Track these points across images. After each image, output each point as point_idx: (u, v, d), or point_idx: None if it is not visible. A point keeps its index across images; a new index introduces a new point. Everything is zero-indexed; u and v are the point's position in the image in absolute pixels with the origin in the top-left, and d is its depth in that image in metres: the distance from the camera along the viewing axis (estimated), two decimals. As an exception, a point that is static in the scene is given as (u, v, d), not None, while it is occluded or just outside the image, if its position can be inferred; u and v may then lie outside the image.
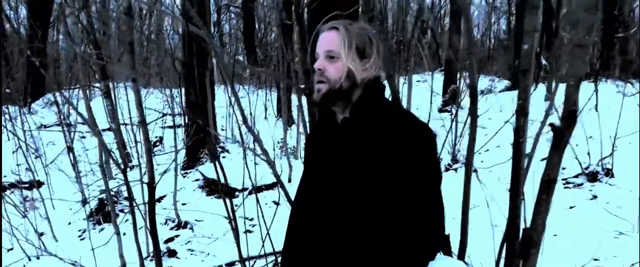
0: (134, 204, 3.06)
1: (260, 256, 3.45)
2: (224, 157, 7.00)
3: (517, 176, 1.92)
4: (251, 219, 4.80)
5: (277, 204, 2.79)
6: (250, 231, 4.59)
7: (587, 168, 5.33)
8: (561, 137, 1.89)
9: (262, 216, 2.78)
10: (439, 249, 1.61)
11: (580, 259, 3.27)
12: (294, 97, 8.90)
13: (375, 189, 1.51)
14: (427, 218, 1.52)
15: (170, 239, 4.77)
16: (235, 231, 2.97)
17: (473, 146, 2.07)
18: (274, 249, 3.04)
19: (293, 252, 1.74)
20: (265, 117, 10.71)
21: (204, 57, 6.62)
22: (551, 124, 1.92)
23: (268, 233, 2.82)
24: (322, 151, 1.69)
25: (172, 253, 4.51)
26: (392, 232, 1.50)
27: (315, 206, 1.66)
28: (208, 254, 4.61)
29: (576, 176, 5.42)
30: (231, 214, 2.89)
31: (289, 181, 6.22)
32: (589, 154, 5.27)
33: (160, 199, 5.54)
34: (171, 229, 5.00)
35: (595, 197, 4.86)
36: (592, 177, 5.23)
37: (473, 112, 2.08)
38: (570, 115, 1.85)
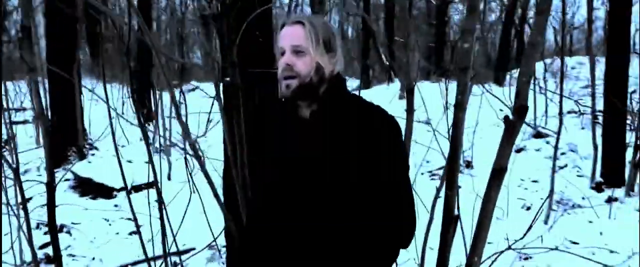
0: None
1: (167, 255, 3.27)
2: (93, 155, 6.45)
3: (453, 165, 2.06)
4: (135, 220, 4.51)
5: (160, 202, 2.71)
6: (136, 233, 4.30)
7: (449, 161, 5.84)
8: (513, 129, 2.03)
9: (163, 215, 2.63)
10: (414, 232, 1.68)
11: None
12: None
13: (355, 176, 1.56)
14: (405, 202, 1.61)
15: (46, 245, 4.26)
16: (138, 231, 2.82)
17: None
18: (178, 248, 3.02)
19: (259, 240, 1.71)
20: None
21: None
22: (505, 117, 2.06)
23: (173, 232, 2.75)
24: (294, 143, 1.67)
25: (51, 260, 4.06)
26: (374, 214, 1.57)
27: (291, 196, 1.64)
28: (93, 258, 4.24)
29: (440, 168, 5.92)
30: (133, 215, 2.73)
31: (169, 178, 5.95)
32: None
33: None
34: (45, 233, 4.48)
35: (459, 187, 5.33)
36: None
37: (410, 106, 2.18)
38: (521, 110, 2.02)
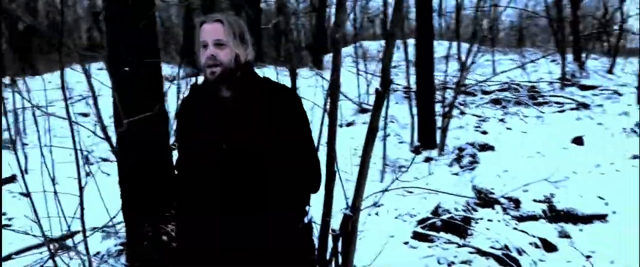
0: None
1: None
2: None
3: (333, 136, 2.71)
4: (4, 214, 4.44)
5: (26, 195, 2.83)
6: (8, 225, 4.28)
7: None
8: (381, 98, 2.76)
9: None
10: (321, 180, 2.18)
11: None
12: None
13: (271, 139, 1.92)
14: (314, 158, 2.11)
15: None
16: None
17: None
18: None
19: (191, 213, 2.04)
20: None
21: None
22: (376, 89, 2.78)
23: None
24: (219, 118, 1.98)
25: None
26: (291, 168, 1.96)
27: (219, 161, 1.94)
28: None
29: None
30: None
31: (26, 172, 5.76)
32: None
33: None
34: None
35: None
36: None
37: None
38: (385, 83, 2.73)
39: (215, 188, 1.95)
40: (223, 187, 1.94)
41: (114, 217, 3.53)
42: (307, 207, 2.08)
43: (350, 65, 11.02)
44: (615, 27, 14.93)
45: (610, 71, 12.32)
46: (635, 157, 6.62)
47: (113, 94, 3.36)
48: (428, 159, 6.92)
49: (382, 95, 2.74)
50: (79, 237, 3.14)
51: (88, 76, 2.80)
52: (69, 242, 3.35)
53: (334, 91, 2.75)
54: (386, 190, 3.32)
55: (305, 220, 2.07)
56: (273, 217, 1.95)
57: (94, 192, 3.53)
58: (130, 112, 3.25)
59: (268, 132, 1.92)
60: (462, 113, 9.16)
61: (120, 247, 3.70)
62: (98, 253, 3.77)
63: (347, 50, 13.51)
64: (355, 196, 2.83)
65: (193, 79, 7.14)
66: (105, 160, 6.45)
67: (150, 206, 3.50)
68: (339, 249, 2.89)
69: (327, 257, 2.90)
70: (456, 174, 6.16)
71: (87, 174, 3.61)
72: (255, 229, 1.94)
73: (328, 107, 2.83)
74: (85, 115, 8.28)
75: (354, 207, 2.81)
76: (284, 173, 1.95)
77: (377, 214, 4.78)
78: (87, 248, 2.88)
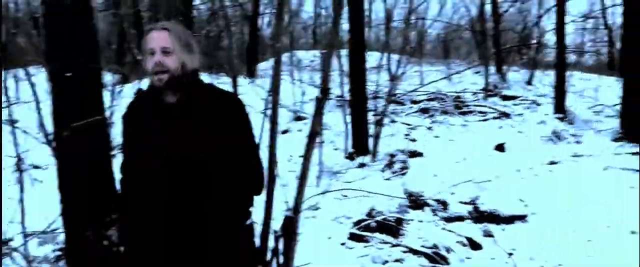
0: None
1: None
2: None
3: (273, 140, 2.85)
4: None
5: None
6: None
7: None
8: (321, 104, 2.91)
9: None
10: (264, 182, 2.30)
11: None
12: None
13: (223, 143, 1.99)
14: (257, 160, 2.21)
15: None
16: None
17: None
18: None
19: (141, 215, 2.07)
20: None
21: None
22: (317, 96, 2.93)
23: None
24: (165, 123, 2.04)
25: None
26: (241, 170, 2.05)
27: (164, 164, 2.00)
28: None
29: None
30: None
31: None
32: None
33: None
34: None
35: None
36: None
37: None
38: (325, 90, 2.88)
39: (161, 192, 2.00)
40: (168, 191, 1.99)
41: (53, 222, 3.49)
42: (250, 209, 2.15)
43: (284, 73, 11.16)
44: (534, 41, 15.91)
45: (529, 82, 13.10)
46: (552, 163, 7.13)
47: (52, 98, 3.35)
48: (361, 165, 7.14)
49: (323, 102, 2.90)
50: (17, 242, 3.11)
51: (30, 81, 2.79)
52: (5, 248, 3.31)
53: (275, 97, 2.88)
54: (327, 191, 3.49)
55: (248, 222, 2.16)
56: (217, 219, 2.00)
57: (29, 198, 3.48)
58: (70, 118, 3.25)
59: (213, 137, 1.98)
60: (393, 121, 9.49)
61: (59, 253, 3.66)
62: (34, 259, 3.70)
63: (282, 60, 13.63)
64: (296, 198, 2.93)
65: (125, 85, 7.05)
66: (36, 167, 6.27)
67: (91, 211, 3.49)
68: (280, 249, 3.01)
69: (268, 257, 3.02)
70: (388, 179, 6.41)
71: (21, 181, 3.57)
72: (199, 231, 1.99)
73: (269, 112, 2.95)
74: (14, 121, 7.98)
75: (296, 208, 2.93)
76: (228, 177, 2.00)
77: (314, 217, 4.94)
78: (26, 253, 2.87)
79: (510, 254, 4.39)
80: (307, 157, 2.93)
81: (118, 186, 2.30)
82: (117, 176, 2.35)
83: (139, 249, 2.09)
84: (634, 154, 7.64)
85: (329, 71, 2.92)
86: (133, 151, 2.14)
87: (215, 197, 1.99)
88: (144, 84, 2.92)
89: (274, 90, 2.89)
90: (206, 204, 1.99)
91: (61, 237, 3.73)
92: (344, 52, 8.77)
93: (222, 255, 2.03)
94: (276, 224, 2.89)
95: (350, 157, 7.59)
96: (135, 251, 2.12)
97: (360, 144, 7.74)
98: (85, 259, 3.46)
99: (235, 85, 3.24)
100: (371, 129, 7.82)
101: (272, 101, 2.90)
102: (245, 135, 2.09)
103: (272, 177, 2.86)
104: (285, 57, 13.64)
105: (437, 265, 3.93)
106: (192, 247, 2.01)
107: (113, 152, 3.77)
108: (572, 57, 17.81)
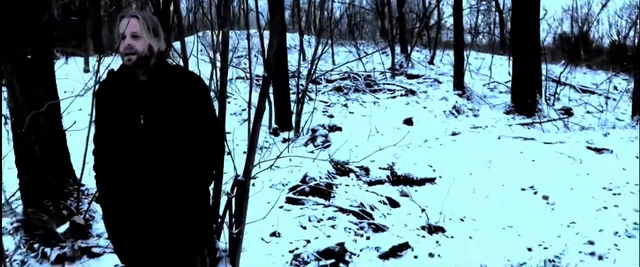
0: None
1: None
2: None
3: (223, 116, 3.31)
4: None
5: None
6: None
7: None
8: (266, 84, 3.37)
9: None
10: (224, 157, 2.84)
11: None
12: None
13: (190, 120, 2.27)
14: (222, 134, 2.71)
15: None
16: None
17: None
18: None
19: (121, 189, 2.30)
20: None
21: None
22: (263, 76, 3.38)
23: None
24: (137, 99, 2.25)
25: None
26: (209, 142, 2.38)
27: (141, 139, 2.23)
28: None
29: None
30: None
31: None
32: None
33: None
34: None
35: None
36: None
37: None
38: (270, 71, 3.34)
39: (137, 162, 2.24)
40: (144, 161, 2.23)
41: (12, 195, 3.70)
42: (213, 174, 2.52)
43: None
44: (433, 22, 17.01)
45: (431, 62, 14.13)
46: (454, 133, 8.04)
47: (7, 83, 3.59)
48: (286, 140, 7.65)
49: (268, 81, 3.36)
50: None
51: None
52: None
53: (223, 78, 3.30)
54: (278, 157, 3.96)
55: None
56: (188, 186, 2.31)
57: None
58: (24, 100, 3.53)
59: (182, 111, 2.25)
60: (311, 99, 10.05)
61: (17, 224, 3.84)
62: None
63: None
64: (246, 164, 3.39)
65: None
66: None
67: (48, 185, 3.76)
68: (233, 209, 3.46)
69: (220, 215, 3.47)
70: (312, 151, 6.98)
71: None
72: (173, 197, 2.27)
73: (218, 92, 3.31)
74: None
75: (246, 174, 3.38)
76: (198, 148, 2.31)
77: (253, 184, 5.39)
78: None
79: (423, 210, 5.11)
80: (255, 130, 3.39)
81: (91, 156, 2.46)
82: (90, 147, 2.59)
83: (120, 216, 2.33)
84: (522, 125, 8.82)
85: (272, 53, 3.34)
86: (107, 124, 2.32)
87: (186, 167, 2.29)
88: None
89: (222, 70, 3.31)
90: (178, 172, 2.26)
91: (19, 209, 3.93)
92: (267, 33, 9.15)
93: (190, 215, 2.36)
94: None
95: (275, 133, 8.09)
96: (116, 218, 2.36)
97: (284, 121, 8.26)
98: (45, 227, 3.76)
99: (186, 65, 3.59)
100: (293, 107, 8.33)
101: (220, 79, 3.30)
102: (209, 111, 2.39)
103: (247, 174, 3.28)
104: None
105: (363, 220, 4.55)
106: (167, 209, 2.28)
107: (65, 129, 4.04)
108: (467, 37, 19.21)
